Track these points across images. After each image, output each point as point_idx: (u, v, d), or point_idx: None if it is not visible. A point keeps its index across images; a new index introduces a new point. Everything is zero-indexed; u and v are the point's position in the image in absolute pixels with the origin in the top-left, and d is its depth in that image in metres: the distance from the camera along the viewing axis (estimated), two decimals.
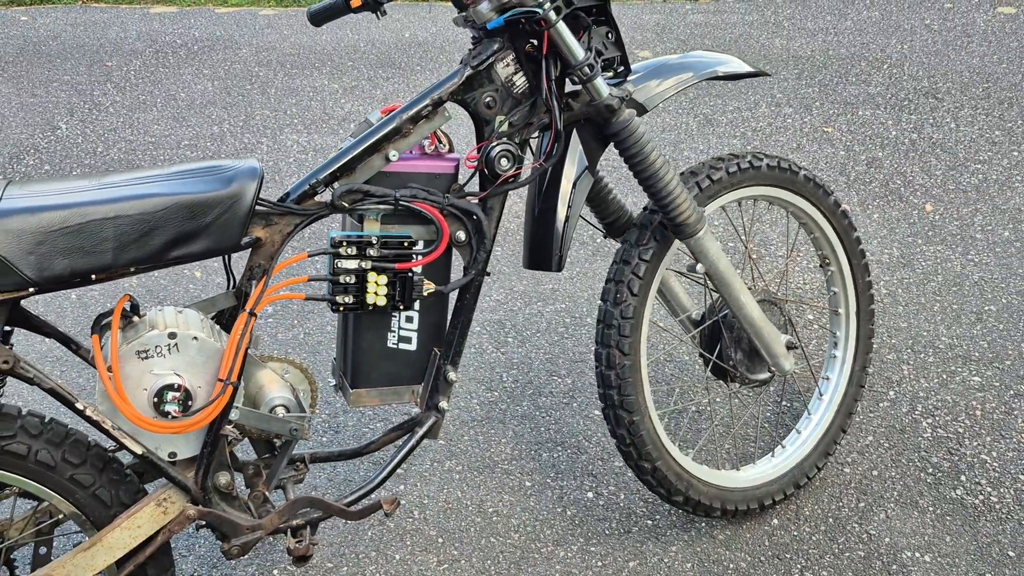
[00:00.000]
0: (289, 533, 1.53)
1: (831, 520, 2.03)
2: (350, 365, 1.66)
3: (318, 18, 1.76)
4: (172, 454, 1.47)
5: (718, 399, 2.39)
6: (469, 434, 2.32)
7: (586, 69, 1.56)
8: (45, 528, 1.56)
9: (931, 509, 2.05)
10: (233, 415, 1.48)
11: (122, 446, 1.41)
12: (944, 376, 2.45)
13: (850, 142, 3.78)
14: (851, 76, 4.41)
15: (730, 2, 5.77)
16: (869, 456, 2.21)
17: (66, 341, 1.55)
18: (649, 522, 2.05)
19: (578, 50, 1.56)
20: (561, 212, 1.66)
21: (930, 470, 2.16)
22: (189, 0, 6.20)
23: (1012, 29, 4.94)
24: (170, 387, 1.41)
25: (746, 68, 1.85)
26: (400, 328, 1.65)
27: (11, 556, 1.54)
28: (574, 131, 1.67)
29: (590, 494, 2.13)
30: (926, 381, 2.44)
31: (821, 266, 2.11)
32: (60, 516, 1.53)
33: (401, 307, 1.58)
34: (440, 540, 2.01)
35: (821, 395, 2.13)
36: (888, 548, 1.95)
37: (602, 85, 1.60)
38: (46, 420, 1.43)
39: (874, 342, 2.14)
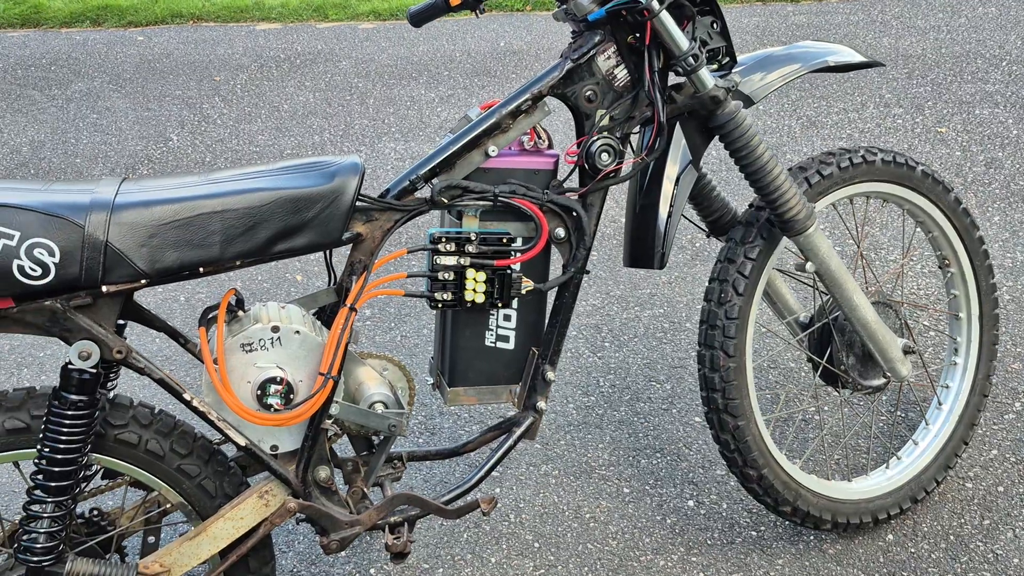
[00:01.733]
0: (387, 529, 1.53)
1: (952, 538, 1.91)
2: (448, 363, 1.65)
3: (417, 18, 1.76)
4: (274, 447, 1.49)
5: (826, 407, 2.28)
6: (566, 439, 2.28)
7: (690, 59, 1.52)
8: (153, 517, 1.60)
9: None
10: (333, 410, 1.48)
11: (227, 437, 1.44)
12: None
13: (966, 142, 3.58)
14: (966, 74, 4.20)
15: (834, 2, 5.58)
16: (994, 471, 2.06)
17: (174, 335, 1.59)
18: (754, 533, 1.96)
19: (682, 40, 1.51)
20: (664, 208, 1.61)
21: None
22: (292, 17, 6.41)
23: None
24: (273, 380, 1.43)
25: (858, 58, 1.76)
26: (498, 326, 1.63)
27: (122, 544, 1.59)
28: (677, 125, 1.62)
29: (691, 502, 2.06)
30: None
31: (940, 267, 1.99)
32: (168, 506, 1.57)
33: (500, 304, 1.56)
34: (536, 544, 1.97)
35: (940, 404, 2.01)
36: (1017, 570, 1.82)
37: (707, 76, 1.55)
38: (156, 411, 1.47)
39: (998, 349, 2.00)
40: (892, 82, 4.21)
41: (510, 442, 1.64)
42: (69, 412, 1.32)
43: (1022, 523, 1.93)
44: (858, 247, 1.87)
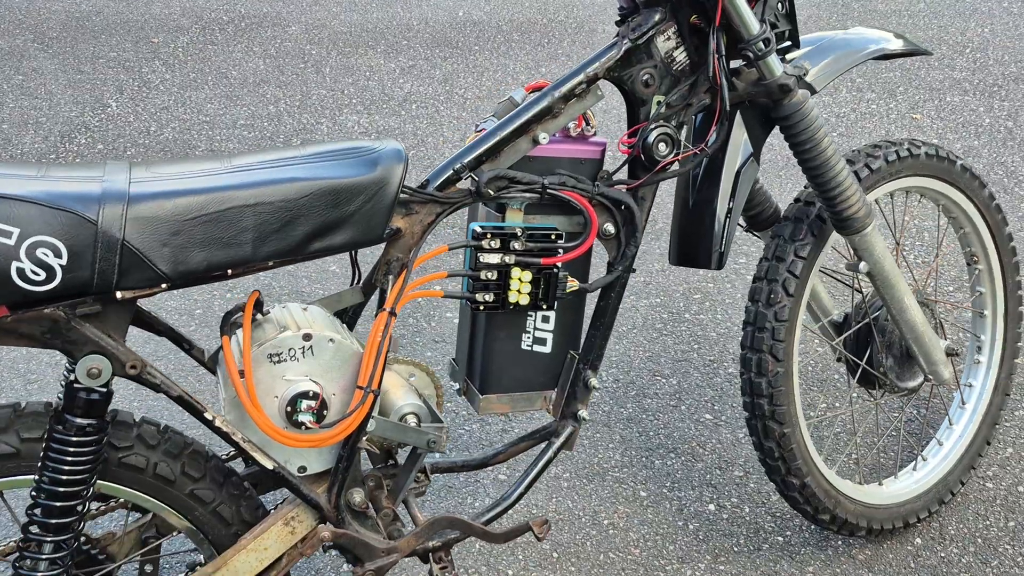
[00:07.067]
0: (432, 560, 1.38)
1: (980, 540, 1.87)
2: (479, 369, 1.51)
3: None
4: (302, 468, 1.32)
5: (842, 407, 2.22)
6: None
7: (761, 44, 1.39)
8: (151, 543, 1.42)
9: None
10: (369, 426, 1.33)
11: (252, 460, 1.26)
12: None
13: (942, 129, 3.58)
14: (933, 61, 4.21)
15: None
16: (1011, 470, 2.04)
17: (178, 340, 1.41)
18: (780, 539, 1.89)
19: (753, 22, 1.39)
20: (722, 205, 1.49)
21: None
22: None
23: None
24: (305, 395, 1.26)
25: (910, 45, 1.68)
26: (536, 329, 1.50)
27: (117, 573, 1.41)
28: (737, 114, 1.50)
29: (711, 506, 1.97)
30: None
31: (968, 264, 1.94)
32: (170, 532, 1.39)
33: (544, 306, 1.43)
34: (555, 555, 1.86)
35: (964, 403, 1.96)
36: None
37: (776, 62, 1.43)
38: (162, 428, 1.29)
39: (1020, 347, 1.96)
40: (862, 67, 4.19)
41: (549, 454, 1.52)
42: (75, 438, 1.13)
43: None
44: (897, 244, 1.79)
